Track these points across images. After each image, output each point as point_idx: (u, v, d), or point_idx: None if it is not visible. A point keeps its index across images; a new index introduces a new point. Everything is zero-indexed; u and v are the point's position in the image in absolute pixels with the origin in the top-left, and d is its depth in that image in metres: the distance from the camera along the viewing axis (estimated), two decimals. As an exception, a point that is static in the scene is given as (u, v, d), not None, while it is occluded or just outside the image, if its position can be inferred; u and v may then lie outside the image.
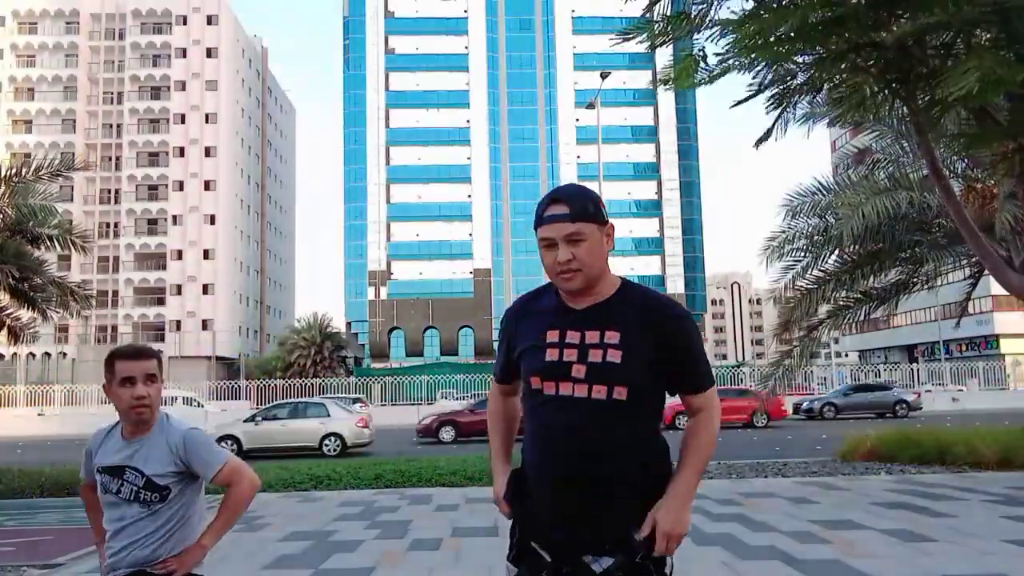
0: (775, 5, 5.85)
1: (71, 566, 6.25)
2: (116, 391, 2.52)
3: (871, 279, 13.24)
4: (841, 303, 13.59)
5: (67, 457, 15.95)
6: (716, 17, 6.95)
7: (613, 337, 1.99)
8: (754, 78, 7.30)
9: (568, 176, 73.10)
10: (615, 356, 1.97)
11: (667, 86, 8.17)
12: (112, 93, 72.00)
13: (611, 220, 2.11)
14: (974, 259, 12.67)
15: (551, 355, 2.03)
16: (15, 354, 58.51)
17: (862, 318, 14.02)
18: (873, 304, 13.64)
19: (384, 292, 70.22)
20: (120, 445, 2.60)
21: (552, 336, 2.05)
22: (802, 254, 13.86)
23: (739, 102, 8.13)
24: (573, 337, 2.02)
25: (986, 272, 13.39)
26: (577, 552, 1.98)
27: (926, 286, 13.85)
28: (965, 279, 14.59)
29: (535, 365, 2.05)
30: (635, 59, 68.06)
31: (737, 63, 6.65)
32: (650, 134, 74.79)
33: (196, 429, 2.64)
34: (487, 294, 70.96)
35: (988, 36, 5.79)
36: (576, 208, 2.01)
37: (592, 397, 1.96)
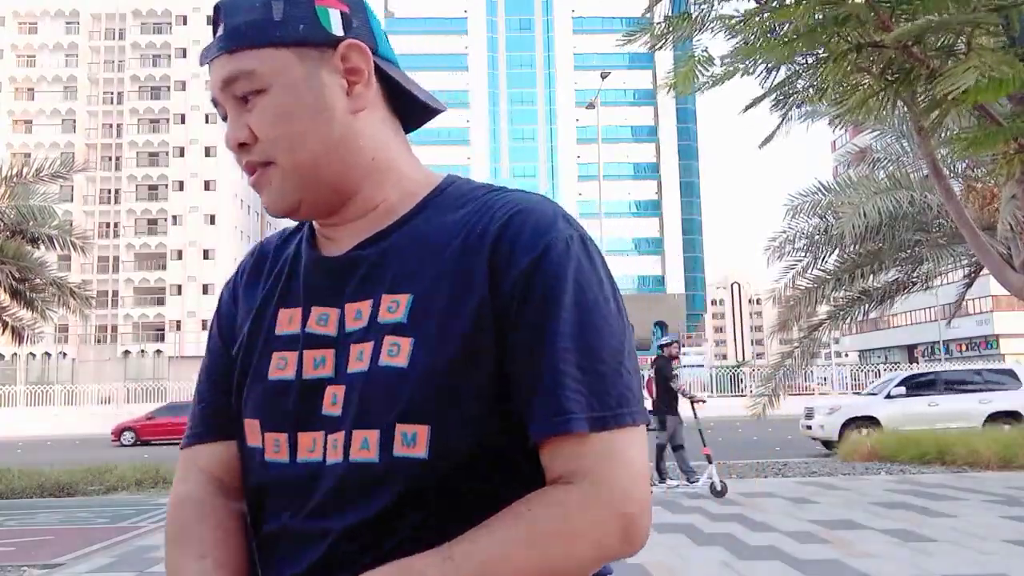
0: (776, 5, 5.86)
1: (71, 566, 6.25)
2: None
3: (871, 278, 13.26)
4: (841, 303, 13.61)
5: (67, 457, 15.96)
6: (718, 14, 6.96)
7: (398, 305, 0.86)
8: (757, 79, 7.31)
9: (568, 176, 73.12)
10: (398, 353, 0.84)
11: (669, 92, 8.18)
12: (112, 93, 72.00)
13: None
14: (974, 259, 12.68)
15: (279, 368, 0.91)
16: (15, 354, 58.51)
17: (861, 318, 14.04)
18: (873, 303, 13.65)
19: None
20: None
21: (288, 318, 0.93)
22: (802, 254, 13.90)
23: (747, 107, 8.13)
24: (322, 318, 0.91)
25: (983, 272, 13.43)
26: None
27: (926, 286, 13.87)
28: (962, 279, 14.60)
29: (250, 395, 0.94)
30: (635, 59, 68.08)
31: (740, 66, 6.65)
32: (650, 134, 74.81)
33: None
34: (487, 294, 70.98)
35: (989, 37, 5.80)
36: (235, 20, 0.88)
37: (351, 461, 0.84)
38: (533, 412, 0.82)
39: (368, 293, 0.88)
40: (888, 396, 14.18)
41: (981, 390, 14.39)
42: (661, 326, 59.81)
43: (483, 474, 0.84)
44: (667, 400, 9.91)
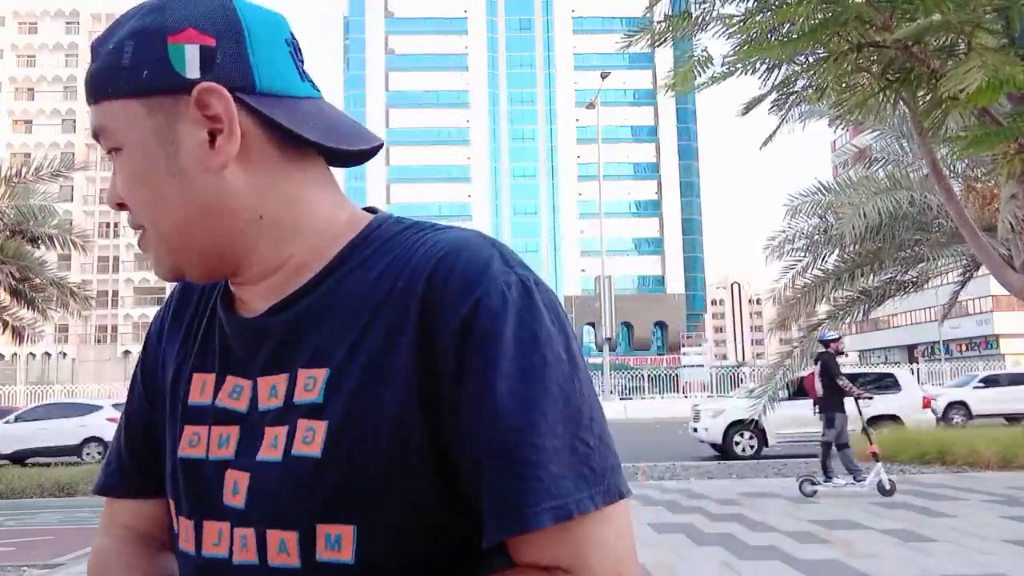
0: (776, 5, 5.85)
1: (71, 566, 6.25)
2: None
3: (871, 278, 13.27)
4: (841, 303, 13.62)
5: (67, 457, 15.94)
6: (719, 13, 6.96)
7: (314, 382, 0.74)
8: (758, 79, 7.31)
9: (568, 176, 73.15)
10: (312, 440, 0.73)
11: (669, 92, 8.19)
12: (112, 93, 72.03)
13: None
14: (972, 259, 12.69)
15: (191, 445, 0.81)
16: (15, 354, 58.51)
17: (860, 317, 14.06)
18: (873, 303, 13.67)
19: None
20: None
21: (200, 385, 0.83)
22: (802, 253, 13.91)
23: (747, 109, 8.14)
24: (235, 391, 0.79)
25: (979, 273, 13.44)
26: None
27: (925, 285, 13.89)
28: (957, 280, 14.62)
29: (166, 470, 0.84)
30: (635, 59, 68.09)
31: (740, 66, 6.65)
32: (650, 134, 74.83)
33: None
34: (487, 294, 71.02)
35: (990, 36, 5.80)
36: (93, 65, 0.77)
37: (270, 566, 0.73)
38: (482, 509, 0.69)
39: (283, 366, 0.75)
40: (771, 400, 14.12)
41: None
42: (661, 326, 59.89)
43: (440, 565, 0.72)
44: (834, 397, 9.21)
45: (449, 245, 0.73)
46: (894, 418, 14.21)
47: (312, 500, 0.71)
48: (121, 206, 0.78)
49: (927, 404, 14.66)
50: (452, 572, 0.72)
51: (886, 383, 15.09)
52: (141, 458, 0.88)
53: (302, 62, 0.79)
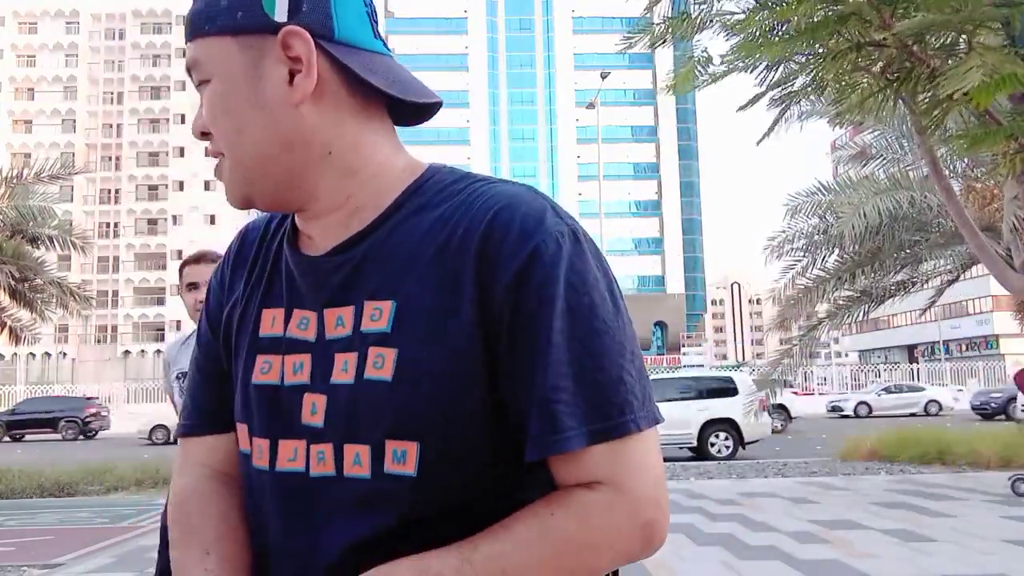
0: (776, 3, 5.85)
1: (71, 566, 6.25)
2: (183, 295, 2.78)
3: (871, 277, 13.28)
4: (841, 303, 13.63)
5: (67, 457, 15.94)
6: (718, 10, 6.96)
7: (380, 313, 0.82)
8: (757, 78, 7.31)
9: (568, 176, 73.15)
10: (383, 365, 0.80)
11: (669, 92, 8.19)
12: (112, 93, 72.02)
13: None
14: (969, 260, 12.69)
15: (263, 372, 0.88)
16: (15, 354, 58.51)
17: (860, 317, 14.07)
18: (872, 303, 13.68)
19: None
20: None
21: (271, 319, 0.89)
22: (801, 254, 13.91)
23: (744, 106, 8.13)
24: (303, 322, 0.87)
25: (979, 273, 13.45)
26: None
27: (925, 285, 13.90)
28: (945, 280, 14.61)
29: (238, 397, 0.91)
30: (635, 59, 68.08)
31: (739, 64, 6.65)
32: (650, 134, 74.84)
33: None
34: (487, 294, 71.07)
35: (991, 35, 5.79)
36: (193, 7, 0.86)
37: (345, 476, 0.81)
38: (528, 431, 0.77)
39: (349, 299, 0.83)
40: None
41: (699, 397, 14.71)
42: (661, 326, 59.86)
43: (477, 492, 0.80)
44: None
45: (506, 198, 0.81)
46: (730, 422, 14.30)
47: (383, 418, 0.79)
48: (204, 135, 0.86)
49: (763, 406, 14.55)
50: (500, 489, 0.81)
51: (725, 387, 15.18)
52: (213, 395, 0.96)
53: (376, 23, 0.88)
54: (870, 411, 29.88)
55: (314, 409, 0.83)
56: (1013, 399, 21.90)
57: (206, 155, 0.88)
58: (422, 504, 0.79)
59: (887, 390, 31.45)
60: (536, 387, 0.76)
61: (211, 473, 0.95)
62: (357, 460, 0.80)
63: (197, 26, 0.84)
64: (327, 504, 0.81)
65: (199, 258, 2.82)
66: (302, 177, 0.84)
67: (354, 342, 0.82)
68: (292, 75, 0.81)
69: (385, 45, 0.88)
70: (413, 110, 0.90)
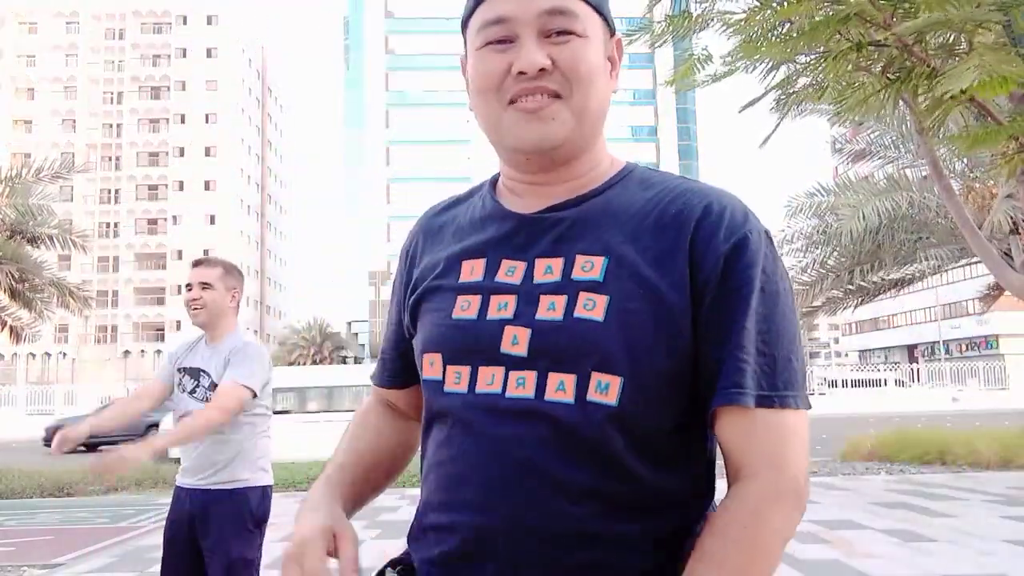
0: (777, 3, 5.85)
1: (71, 566, 6.24)
2: (184, 295, 2.97)
3: (870, 276, 13.31)
4: (838, 297, 13.69)
5: (67, 457, 15.91)
6: (719, 11, 6.95)
7: (592, 265, 0.93)
8: (758, 77, 7.31)
9: (568, 176, 73.14)
10: (594, 307, 0.91)
11: (669, 87, 8.19)
12: (112, 93, 72.00)
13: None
14: (975, 260, 12.70)
15: (463, 309, 0.98)
16: (15, 354, 58.50)
17: (855, 313, 14.13)
18: (868, 298, 13.74)
19: (384, 292, 70.25)
20: (205, 351, 2.95)
21: (471, 269, 1.00)
22: (801, 254, 13.94)
23: (744, 107, 8.12)
24: (510, 270, 0.97)
25: (979, 273, 13.47)
26: None
27: (924, 283, 13.93)
28: (947, 281, 14.64)
29: (432, 332, 1.00)
30: (635, 59, 68.08)
31: (740, 64, 6.64)
32: (650, 134, 74.83)
33: (253, 344, 2.88)
34: (487, 294, 71.06)
35: (991, 36, 5.79)
36: None
37: (546, 400, 0.90)
38: (713, 382, 0.91)
39: (561, 251, 0.96)
40: None
41: None
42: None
43: (667, 428, 0.93)
44: None
45: (717, 194, 0.98)
46: None
47: (591, 352, 0.90)
48: (543, 71, 0.95)
49: None
50: (683, 430, 0.94)
51: None
52: (401, 359, 1.14)
53: None
54: None
55: (515, 340, 0.94)
56: None
57: (526, 92, 0.96)
58: (613, 432, 0.90)
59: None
60: (728, 347, 0.90)
61: (389, 406, 1.20)
62: (561, 387, 0.91)
63: None
64: (522, 428, 0.91)
65: (197, 263, 3.03)
66: (595, 139, 1.03)
67: (563, 287, 0.94)
68: (610, 66, 1.03)
69: None
70: None
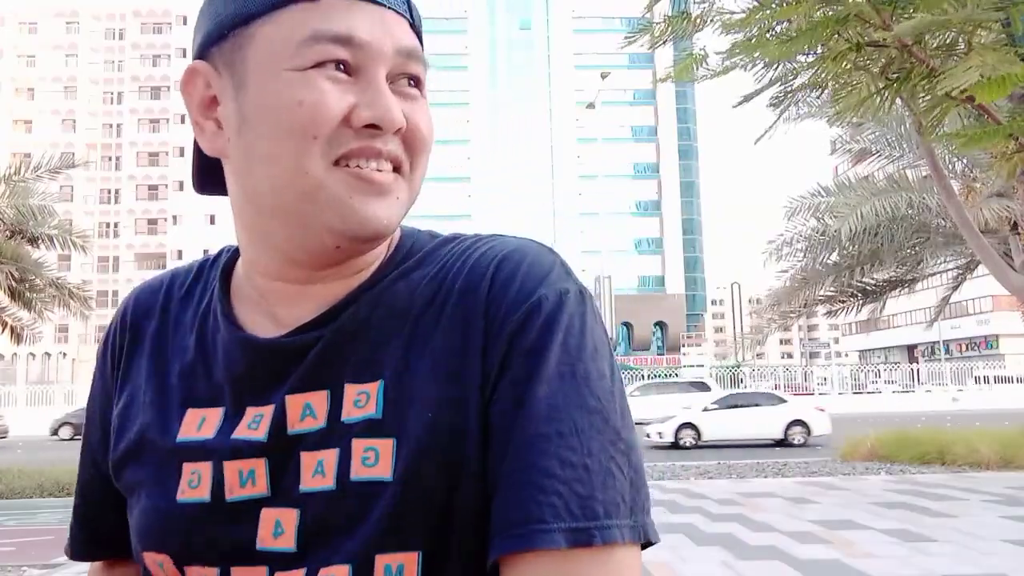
0: (776, 3, 5.85)
1: (71, 566, 6.24)
2: None
3: (870, 276, 13.34)
4: (840, 300, 13.71)
5: (67, 457, 15.96)
6: (718, 9, 6.96)
7: (368, 397, 0.66)
8: (755, 76, 7.31)
9: (568, 176, 73.15)
10: (376, 462, 0.64)
11: (667, 81, 8.21)
12: (112, 93, 72.03)
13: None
14: (973, 259, 12.71)
15: (192, 487, 0.69)
16: (15, 354, 58.54)
17: (855, 314, 14.14)
18: (868, 300, 13.74)
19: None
20: None
21: (198, 421, 0.71)
22: (801, 255, 13.96)
23: (740, 102, 8.12)
24: (255, 421, 0.69)
25: (979, 273, 13.47)
26: None
27: (924, 283, 13.95)
28: (948, 282, 14.67)
29: (151, 522, 0.69)
30: (635, 59, 68.10)
31: (739, 61, 6.64)
32: (650, 134, 74.84)
33: None
34: (487, 294, 71.15)
35: (990, 36, 5.80)
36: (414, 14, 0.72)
37: None
38: (495, 519, 0.61)
39: (322, 383, 0.67)
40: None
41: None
42: (661, 326, 59.87)
43: None
44: None
45: (510, 249, 0.69)
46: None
47: (373, 528, 0.62)
48: (399, 132, 0.67)
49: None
50: None
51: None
52: (102, 525, 0.80)
53: None
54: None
55: (279, 529, 0.65)
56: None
57: (377, 155, 0.66)
58: None
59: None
60: (512, 463, 0.61)
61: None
62: None
63: (419, 26, 0.71)
64: None
65: None
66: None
67: (331, 436, 0.65)
68: None
69: None
70: None
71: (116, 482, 0.74)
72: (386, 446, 0.63)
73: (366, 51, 0.65)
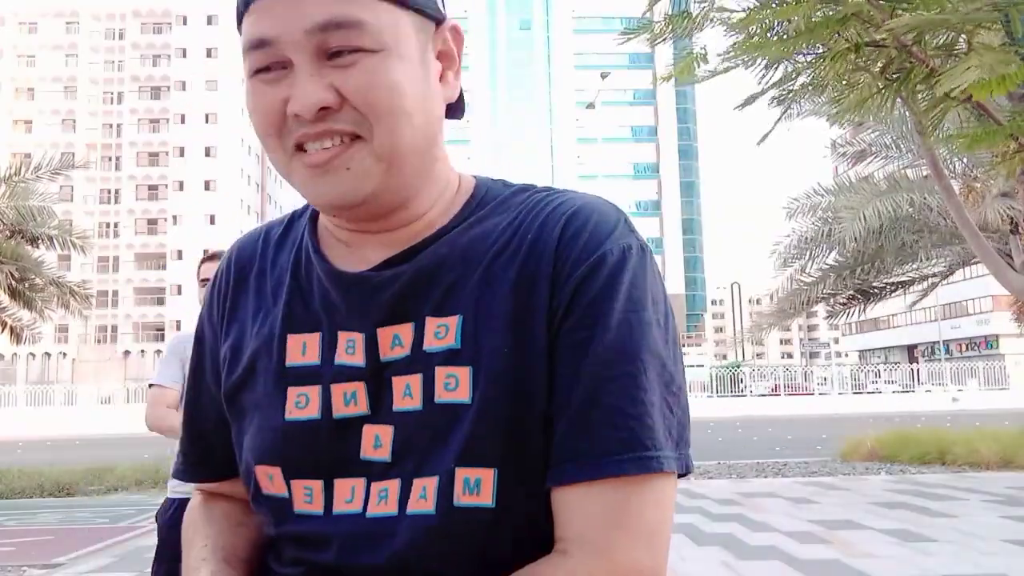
0: (776, 3, 5.86)
1: (71, 566, 6.25)
2: (199, 292, 2.91)
3: (870, 276, 13.35)
4: (840, 300, 13.72)
5: (67, 457, 15.95)
6: (718, 7, 6.96)
7: (446, 330, 0.74)
8: (756, 76, 7.31)
9: (568, 176, 73.16)
10: (457, 387, 0.72)
11: (668, 81, 8.21)
12: (112, 93, 72.04)
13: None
14: (974, 260, 12.72)
15: (299, 407, 0.77)
16: (15, 354, 58.52)
17: (857, 316, 14.15)
18: (870, 301, 13.75)
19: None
20: None
21: (300, 346, 0.79)
22: (803, 255, 13.98)
23: (741, 104, 8.12)
24: (350, 346, 0.77)
25: (979, 273, 13.46)
26: None
27: (924, 283, 13.95)
28: (944, 280, 14.66)
29: (263, 439, 0.78)
30: (635, 59, 68.12)
31: (739, 61, 6.65)
32: (650, 134, 74.88)
33: (175, 336, 3.03)
34: (487, 294, 71.22)
35: (990, 35, 5.80)
36: None
37: (408, 513, 0.72)
38: (562, 448, 0.69)
39: (406, 316, 0.74)
40: None
41: None
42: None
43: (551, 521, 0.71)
44: None
45: (579, 205, 0.76)
46: None
47: (454, 444, 0.70)
48: (326, 110, 0.69)
49: None
50: None
51: None
52: (212, 449, 0.87)
53: None
54: None
55: (377, 442, 0.73)
56: None
57: (310, 136, 0.70)
58: (494, 540, 0.70)
59: None
60: (572, 400, 0.69)
61: (219, 497, 0.91)
62: (423, 495, 0.71)
63: None
64: (392, 549, 0.71)
65: (212, 256, 3.01)
66: (426, 174, 0.77)
67: (415, 363, 0.73)
68: (443, 70, 0.77)
69: None
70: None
71: (228, 408, 0.82)
72: (464, 373, 0.71)
73: (278, 47, 0.68)
